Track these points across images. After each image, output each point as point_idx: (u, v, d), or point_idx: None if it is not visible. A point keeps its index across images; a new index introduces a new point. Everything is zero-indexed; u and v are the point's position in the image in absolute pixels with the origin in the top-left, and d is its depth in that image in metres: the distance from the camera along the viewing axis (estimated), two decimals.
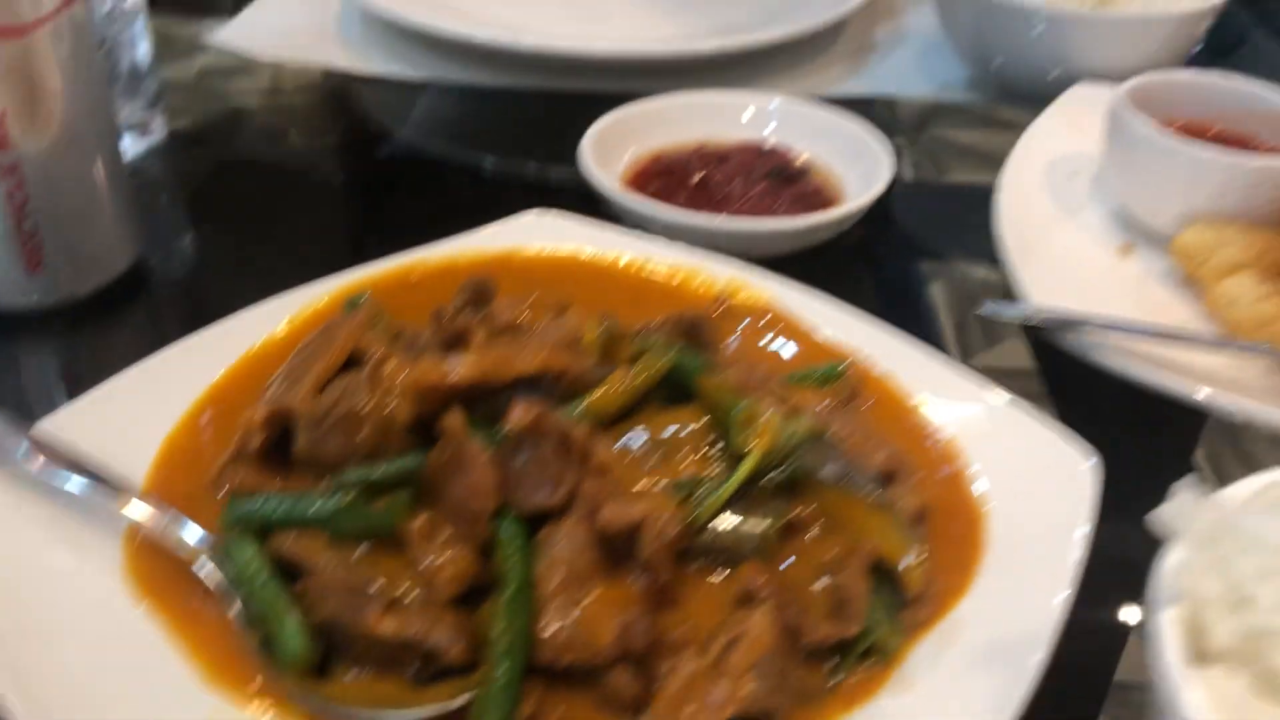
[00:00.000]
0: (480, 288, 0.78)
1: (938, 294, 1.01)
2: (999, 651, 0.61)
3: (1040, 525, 0.67)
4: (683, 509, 0.62)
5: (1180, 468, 0.83)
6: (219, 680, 0.60)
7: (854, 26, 1.45)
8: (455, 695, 0.58)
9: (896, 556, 0.65)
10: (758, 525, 0.64)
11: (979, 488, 0.71)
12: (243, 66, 1.34)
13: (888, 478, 0.70)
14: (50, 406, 0.74)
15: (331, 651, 0.61)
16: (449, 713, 0.58)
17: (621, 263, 0.89)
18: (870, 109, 1.28)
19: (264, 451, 0.68)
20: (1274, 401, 0.81)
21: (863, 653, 0.62)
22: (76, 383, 0.78)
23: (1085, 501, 0.67)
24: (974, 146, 1.23)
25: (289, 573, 0.63)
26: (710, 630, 0.60)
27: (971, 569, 0.66)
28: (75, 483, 0.67)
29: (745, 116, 1.14)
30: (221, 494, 0.68)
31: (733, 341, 0.83)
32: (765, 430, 0.66)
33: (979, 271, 1.02)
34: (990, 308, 0.88)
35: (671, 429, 0.68)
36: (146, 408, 0.74)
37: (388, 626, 0.59)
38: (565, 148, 1.05)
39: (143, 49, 1.15)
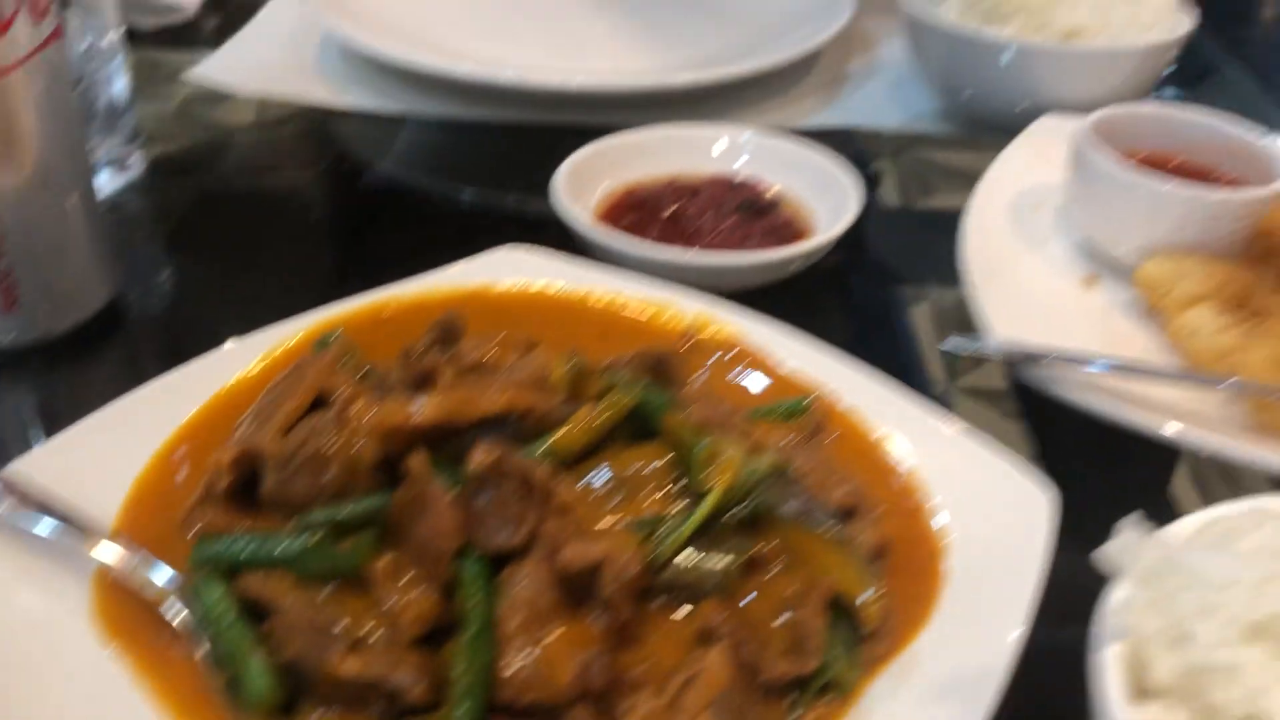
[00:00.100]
0: (448, 326, 0.79)
1: (917, 318, 1.01)
2: (955, 686, 0.62)
3: (998, 559, 0.68)
4: (644, 547, 0.63)
5: (1152, 495, 0.84)
6: None
7: (827, 59, 1.47)
8: None
9: (854, 592, 0.66)
10: (719, 562, 0.64)
11: (938, 522, 0.72)
12: (224, 97, 1.35)
13: (848, 513, 0.71)
14: (26, 446, 0.74)
15: (298, 691, 0.62)
16: None
17: (591, 298, 0.91)
18: (849, 135, 1.30)
19: (232, 492, 0.69)
20: (1233, 433, 0.82)
21: (820, 688, 0.63)
22: (54, 421, 0.78)
23: (1042, 535, 0.68)
24: (961, 169, 1.23)
25: (257, 613, 0.64)
26: (670, 668, 0.61)
27: (930, 603, 0.67)
28: (45, 524, 0.68)
29: (717, 150, 1.16)
30: (191, 534, 0.69)
31: (700, 376, 0.84)
32: (727, 468, 0.66)
33: (956, 294, 1.02)
34: (952, 342, 0.89)
35: (635, 466, 0.69)
36: (119, 447, 0.75)
37: (351, 667, 0.59)
38: (544, 180, 1.06)
39: (120, 85, 1.16)
